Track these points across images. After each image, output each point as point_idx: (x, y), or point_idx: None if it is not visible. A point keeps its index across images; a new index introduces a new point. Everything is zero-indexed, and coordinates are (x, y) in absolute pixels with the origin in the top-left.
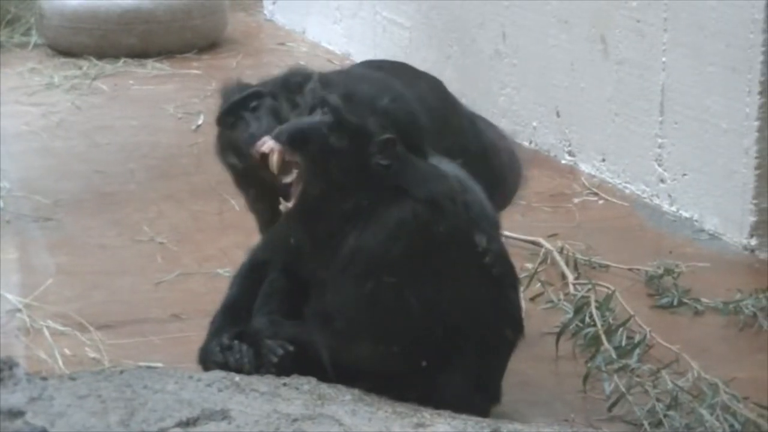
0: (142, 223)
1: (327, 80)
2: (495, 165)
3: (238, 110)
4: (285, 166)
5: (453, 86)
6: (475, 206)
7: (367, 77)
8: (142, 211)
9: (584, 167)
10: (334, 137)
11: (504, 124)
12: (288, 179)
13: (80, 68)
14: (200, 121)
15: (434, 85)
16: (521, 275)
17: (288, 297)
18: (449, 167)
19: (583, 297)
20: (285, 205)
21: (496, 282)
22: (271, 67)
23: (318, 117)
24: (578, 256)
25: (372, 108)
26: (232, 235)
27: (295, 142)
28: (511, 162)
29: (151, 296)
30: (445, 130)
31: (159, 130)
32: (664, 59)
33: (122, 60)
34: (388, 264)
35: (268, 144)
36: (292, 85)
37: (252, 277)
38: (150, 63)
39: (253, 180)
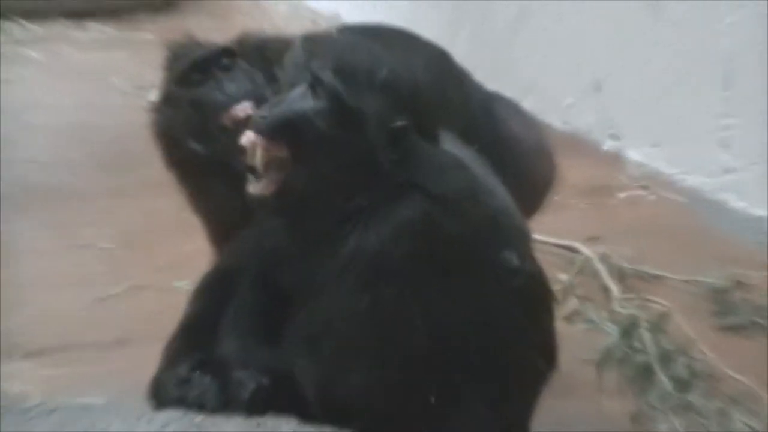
0: (83, 224)
1: (313, 49)
2: (515, 160)
3: (206, 67)
4: (270, 161)
5: (465, 55)
6: (501, 209)
7: (358, 45)
8: (83, 209)
9: (631, 154)
10: (332, 127)
11: (530, 101)
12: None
13: (6, 32)
14: (152, 97)
15: (436, 56)
16: (554, 287)
17: (264, 315)
18: (468, 156)
19: (631, 316)
20: (256, 186)
21: (525, 301)
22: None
23: (309, 99)
24: (624, 264)
25: (376, 86)
26: (195, 238)
27: (282, 134)
28: (539, 157)
29: (93, 315)
30: (446, 114)
31: (104, 109)
32: (728, 20)
33: (58, 21)
34: (392, 273)
35: (248, 136)
36: (267, 54)
37: (218, 290)
38: (92, 25)
39: (218, 168)
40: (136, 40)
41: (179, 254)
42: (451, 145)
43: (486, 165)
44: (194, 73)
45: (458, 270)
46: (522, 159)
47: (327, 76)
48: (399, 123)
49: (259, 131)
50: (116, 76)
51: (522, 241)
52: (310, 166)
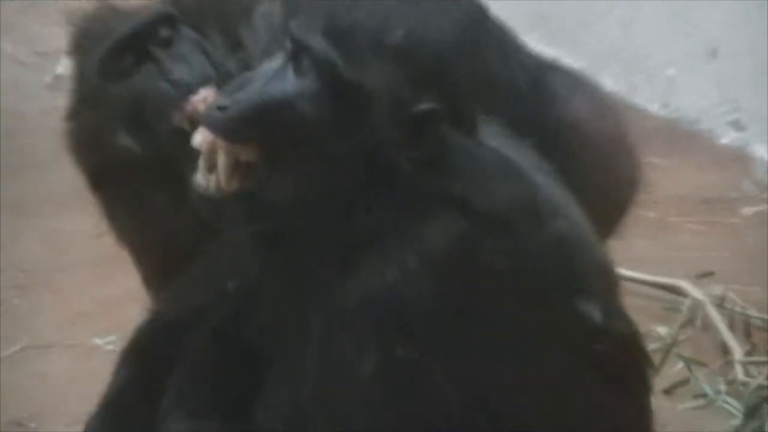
0: None
1: (294, 1)
2: (579, 159)
3: (139, 45)
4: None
5: (517, 6)
6: (573, 235)
7: None
8: None
9: (760, 150)
10: (325, 115)
11: (613, 73)
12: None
13: None
14: (61, 69)
15: (471, 10)
16: (649, 346)
17: (223, 385)
18: (522, 155)
19: (760, 387)
20: (209, 179)
21: (609, 372)
22: None
23: (290, 76)
24: (751, 313)
25: (387, 54)
26: (123, 276)
27: (252, 131)
28: (616, 153)
29: None
30: (489, 93)
31: None
32: None
33: None
34: (411, 323)
35: (203, 134)
36: (229, 9)
37: (158, 350)
38: None
39: (163, 176)
40: None
41: (100, 299)
42: (497, 139)
43: (550, 169)
44: (123, 57)
45: (510, 323)
46: (590, 157)
47: (316, 41)
48: (423, 106)
49: (218, 129)
50: (9, 39)
51: (605, 285)
52: (295, 171)
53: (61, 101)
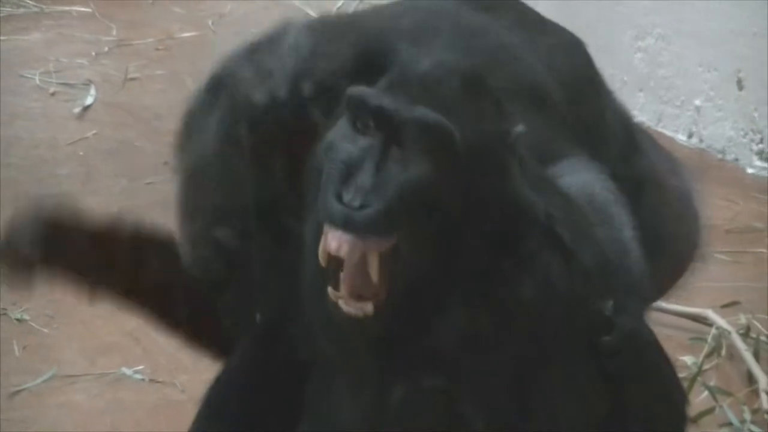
0: None
1: (332, 49)
2: (657, 213)
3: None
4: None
5: None
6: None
7: (435, 35)
8: None
9: None
10: (451, 182)
11: (639, 103)
12: None
13: None
14: (89, 100)
15: (572, 47)
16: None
17: (257, 412)
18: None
19: None
20: (351, 303)
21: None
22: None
23: (396, 159)
24: None
25: (483, 101)
26: None
27: (402, 219)
28: (687, 213)
29: (3, 417)
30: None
31: (17, 116)
32: None
33: None
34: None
35: (341, 240)
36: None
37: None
38: None
39: None
40: (65, 15)
41: (129, 329)
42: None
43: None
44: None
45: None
46: (668, 214)
47: (419, 114)
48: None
49: (363, 230)
50: (34, 67)
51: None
52: (434, 246)
53: (89, 131)
